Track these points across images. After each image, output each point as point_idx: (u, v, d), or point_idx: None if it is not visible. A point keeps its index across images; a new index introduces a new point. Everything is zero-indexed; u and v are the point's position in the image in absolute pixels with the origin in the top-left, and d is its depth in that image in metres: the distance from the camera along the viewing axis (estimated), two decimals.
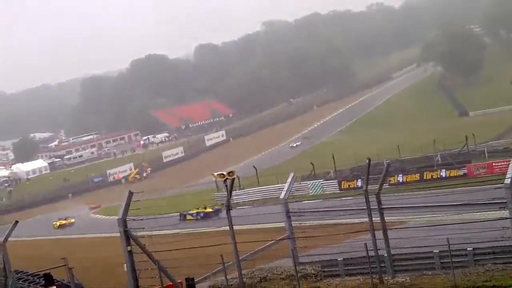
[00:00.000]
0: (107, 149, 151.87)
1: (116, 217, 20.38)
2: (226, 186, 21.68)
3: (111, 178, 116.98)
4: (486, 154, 62.15)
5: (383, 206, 22.11)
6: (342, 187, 57.09)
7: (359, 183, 54.12)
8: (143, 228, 21.09)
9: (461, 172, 52.09)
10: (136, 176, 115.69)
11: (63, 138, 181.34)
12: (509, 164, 20.59)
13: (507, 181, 19.33)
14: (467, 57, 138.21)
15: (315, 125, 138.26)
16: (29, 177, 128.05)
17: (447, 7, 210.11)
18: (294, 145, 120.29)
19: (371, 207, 21.65)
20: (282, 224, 24.71)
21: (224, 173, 21.68)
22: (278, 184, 57.22)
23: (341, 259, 25.14)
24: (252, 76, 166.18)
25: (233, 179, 21.79)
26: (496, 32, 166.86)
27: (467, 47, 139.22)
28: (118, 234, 21.04)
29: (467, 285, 18.61)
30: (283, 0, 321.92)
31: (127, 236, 20.94)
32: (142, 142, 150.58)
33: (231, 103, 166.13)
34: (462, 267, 21.13)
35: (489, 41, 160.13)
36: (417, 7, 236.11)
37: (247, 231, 28.70)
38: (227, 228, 21.72)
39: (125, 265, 21.38)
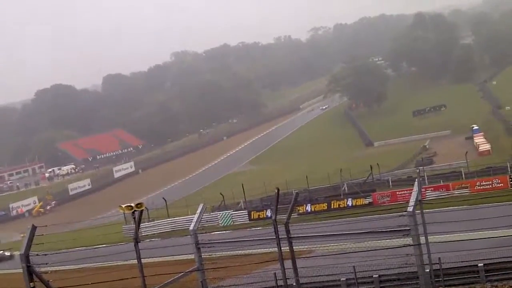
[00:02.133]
0: (10, 182, 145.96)
1: (19, 253, 19.56)
2: (134, 218, 21.30)
3: (14, 212, 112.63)
4: (390, 183, 64.18)
5: (292, 235, 22.28)
6: (252, 217, 57.23)
7: (268, 213, 54.45)
8: (46, 264, 20.34)
9: (366, 201, 53.38)
10: (40, 209, 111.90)
11: None
12: (411, 192, 21.23)
13: (410, 209, 19.92)
14: (371, 88, 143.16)
15: (225, 155, 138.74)
16: None
17: (352, 40, 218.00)
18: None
19: (280, 237, 21.78)
20: (192, 256, 24.44)
21: (132, 205, 21.31)
22: (188, 215, 56.77)
23: None
24: (161, 107, 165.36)
25: (142, 211, 21.44)
26: (399, 65, 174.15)
27: (371, 79, 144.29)
28: (21, 270, 20.21)
29: None
30: (193, 32, 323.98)
31: (30, 272, 20.14)
32: (47, 175, 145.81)
33: (140, 134, 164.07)
34: None
35: (392, 73, 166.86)
36: (323, 40, 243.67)
37: (156, 263, 28.17)
38: (135, 261, 21.30)
39: None
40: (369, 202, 53.15)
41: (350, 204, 53.82)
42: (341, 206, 54.20)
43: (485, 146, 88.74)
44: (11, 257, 60.34)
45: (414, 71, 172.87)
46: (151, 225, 61.69)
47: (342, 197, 56.98)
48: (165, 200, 65.09)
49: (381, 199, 52.61)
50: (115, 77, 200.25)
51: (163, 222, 62.40)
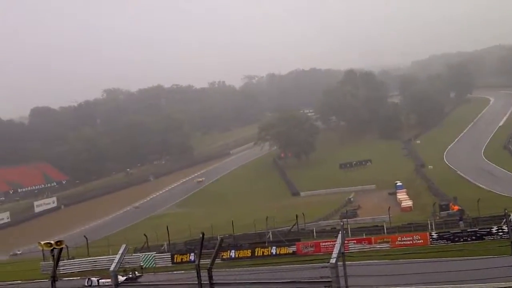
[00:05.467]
0: None
1: None
2: (53, 255, 20.78)
3: None
4: (315, 233, 64.79)
5: (214, 282, 22.11)
6: (175, 260, 56.46)
7: (192, 257, 53.89)
8: None
9: (290, 250, 53.57)
10: None
11: None
12: (335, 244, 21.47)
13: (333, 260, 20.12)
14: (301, 139, 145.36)
15: (152, 196, 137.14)
16: None
17: (284, 90, 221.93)
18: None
19: (202, 282, 21.58)
20: None
21: (52, 242, 20.81)
22: (109, 255, 55.50)
23: None
24: (89, 143, 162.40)
25: (61, 249, 20.93)
26: (328, 118, 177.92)
27: (301, 130, 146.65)
28: None
29: None
30: (126, 69, 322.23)
31: None
32: None
33: (65, 169, 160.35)
34: None
35: (322, 126, 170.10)
36: (256, 88, 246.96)
37: None
38: None
39: None
40: (293, 251, 53.33)
41: (274, 252, 53.86)
42: (265, 253, 54.18)
43: (407, 203, 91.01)
44: None
45: (343, 125, 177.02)
46: (71, 263, 59.92)
47: (266, 244, 57.01)
48: (86, 238, 63.52)
49: (305, 249, 52.91)
50: (43, 110, 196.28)
51: (83, 261, 60.74)
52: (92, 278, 37.98)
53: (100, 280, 37.07)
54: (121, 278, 28.16)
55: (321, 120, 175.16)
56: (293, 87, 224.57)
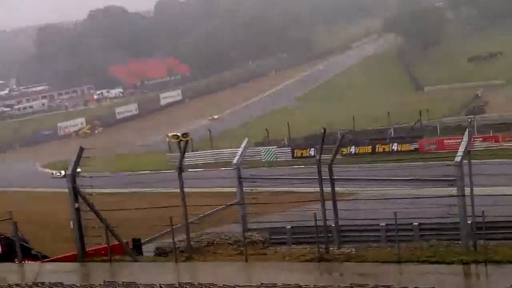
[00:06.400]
0: (59, 101, 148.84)
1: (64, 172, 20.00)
2: (180, 147, 21.37)
3: (61, 132, 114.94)
4: (439, 130, 62.99)
5: (335, 177, 22.13)
6: (295, 155, 57.31)
7: (311, 151, 54.42)
8: (91, 186, 20.72)
9: (412, 147, 52.77)
10: (87, 131, 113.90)
11: (14, 87, 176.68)
12: (459, 141, 20.72)
13: (458, 159, 19.48)
14: (427, 31, 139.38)
15: (272, 90, 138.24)
16: None
17: None
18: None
19: (323, 177, 21.65)
20: (234, 189, 24.57)
21: (179, 134, 21.36)
22: (231, 148, 57.07)
23: (289, 227, 25.27)
24: (212, 37, 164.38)
25: (187, 141, 21.51)
26: (459, 8, 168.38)
27: (428, 21, 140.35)
28: (67, 190, 20.69)
29: (411, 259, 18.86)
30: None
31: (75, 192, 20.59)
32: (95, 97, 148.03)
33: (189, 62, 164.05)
34: (407, 241, 21.41)
35: (451, 16, 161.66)
36: None
37: (198, 194, 28.48)
38: (178, 190, 21.48)
39: (71, 222, 21.06)
40: (415, 148, 52.57)
41: (395, 149, 53.36)
42: (386, 150, 53.82)
43: None
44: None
45: (474, 15, 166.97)
46: (195, 155, 62.31)
47: (387, 141, 56.38)
48: (210, 131, 65.51)
49: (427, 146, 51.98)
50: (167, 2, 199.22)
51: (206, 153, 62.99)
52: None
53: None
54: None
55: (451, 10, 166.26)
56: None
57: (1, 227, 22.48)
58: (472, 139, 42.62)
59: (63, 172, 64.86)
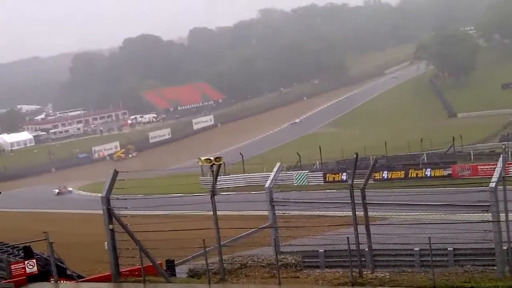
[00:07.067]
0: (94, 126, 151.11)
1: (100, 195, 20.31)
2: (212, 171, 21.55)
3: (96, 155, 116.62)
4: (472, 156, 62.32)
5: (367, 201, 22.09)
6: (327, 179, 57.15)
7: (343, 176, 54.23)
8: (125, 208, 20.98)
9: (445, 173, 52.24)
10: (121, 155, 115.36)
11: (50, 112, 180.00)
12: (493, 167, 20.56)
13: (492, 184, 19.34)
14: (460, 58, 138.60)
15: (304, 116, 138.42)
16: (13, 148, 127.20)
17: (444, 7, 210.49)
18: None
19: (355, 202, 21.63)
20: (265, 213, 24.63)
21: (211, 158, 21.54)
22: (263, 172, 57.21)
23: (322, 250, 25.17)
24: (244, 63, 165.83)
25: (220, 165, 21.68)
26: (491, 36, 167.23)
27: (461, 49, 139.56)
28: (101, 212, 20.96)
29: (446, 284, 18.66)
30: None
31: (110, 214, 20.87)
32: (129, 122, 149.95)
33: (221, 88, 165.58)
34: (441, 266, 21.20)
35: (483, 44, 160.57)
36: (414, 6, 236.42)
37: (230, 217, 28.59)
38: (210, 213, 21.63)
39: (106, 243, 21.30)
40: (448, 174, 51.98)
41: (428, 174, 52.85)
42: (419, 175, 53.31)
43: None
44: None
45: (506, 43, 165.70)
46: (227, 179, 62.55)
47: (420, 166, 55.93)
48: (242, 155, 65.75)
49: (461, 172, 51.38)
50: (201, 30, 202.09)
51: (238, 177, 63.16)
52: None
53: None
54: None
55: (483, 38, 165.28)
56: (453, 3, 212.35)
57: (37, 247, 22.84)
58: (506, 165, 42.19)
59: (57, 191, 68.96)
